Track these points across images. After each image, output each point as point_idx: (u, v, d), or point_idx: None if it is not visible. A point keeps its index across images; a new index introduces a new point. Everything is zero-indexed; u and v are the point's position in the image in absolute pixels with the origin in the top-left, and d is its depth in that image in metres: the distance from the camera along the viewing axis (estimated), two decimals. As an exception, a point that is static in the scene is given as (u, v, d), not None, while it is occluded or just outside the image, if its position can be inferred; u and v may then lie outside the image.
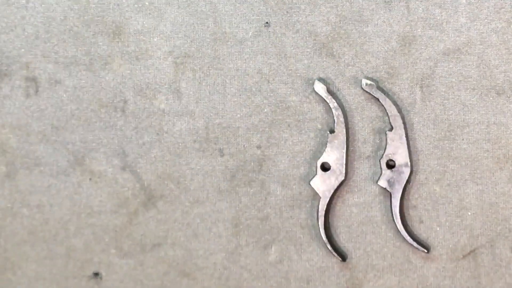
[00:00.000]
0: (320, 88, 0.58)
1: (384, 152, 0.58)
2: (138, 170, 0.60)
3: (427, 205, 0.58)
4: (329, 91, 0.58)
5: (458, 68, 0.58)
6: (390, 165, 0.58)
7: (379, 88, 0.58)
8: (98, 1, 0.59)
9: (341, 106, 0.58)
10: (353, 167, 0.59)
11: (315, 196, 0.59)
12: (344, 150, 0.58)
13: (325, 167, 0.58)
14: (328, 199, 0.58)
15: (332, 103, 0.58)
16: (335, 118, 0.58)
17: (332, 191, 0.58)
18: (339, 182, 0.58)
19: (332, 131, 0.58)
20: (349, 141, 0.58)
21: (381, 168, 0.58)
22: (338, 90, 0.59)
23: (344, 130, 0.58)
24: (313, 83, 0.58)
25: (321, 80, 0.58)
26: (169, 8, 0.59)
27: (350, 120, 0.59)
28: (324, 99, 0.58)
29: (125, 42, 0.59)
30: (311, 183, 0.58)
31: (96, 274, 0.61)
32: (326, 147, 0.58)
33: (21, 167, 0.60)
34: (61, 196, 0.61)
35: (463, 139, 0.58)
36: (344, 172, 0.58)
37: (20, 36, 0.59)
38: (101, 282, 0.61)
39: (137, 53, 0.59)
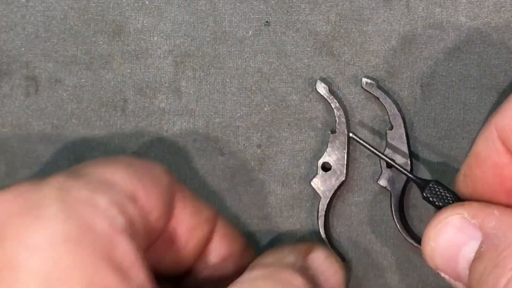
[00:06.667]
0: (322, 88, 0.58)
1: (384, 151, 0.58)
2: (138, 170, 0.60)
3: (427, 204, 0.58)
4: (330, 91, 0.58)
5: (458, 67, 0.58)
6: (390, 164, 0.58)
7: (379, 87, 0.58)
8: (98, 0, 0.59)
9: (342, 106, 0.58)
10: (353, 166, 0.59)
11: (315, 195, 0.59)
12: (345, 151, 0.58)
13: (326, 167, 0.58)
14: (328, 199, 0.58)
15: (334, 103, 0.58)
16: (336, 118, 0.58)
17: (332, 191, 0.58)
18: (340, 183, 0.58)
19: (333, 131, 0.58)
20: (350, 142, 0.58)
21: (381, 167, 0.58)
22: (338, 89, 0.59)
23: (346, 131, 0.58)
24: (313, 83, 0.58)
25: (323, 80, 0.58)
26: (169, 7, 0.59)
27: (350, 119, 0.59)
28: (325, 98, 0.58)
29: (125, 41, 0.59)
30: (312, 183, 0.58)
31: (96, 274, 0.61)
32: (327, 147, 0.58)
33: (21, 166, 0.60)
34: (61, 196, 0.60)
35: (463, 138, 0.58)
36: (345, 172, 0.58)
37: (20, 35, 0.59)
38: (101, 282, 0.61)
39: (137, 52, 0.59)
